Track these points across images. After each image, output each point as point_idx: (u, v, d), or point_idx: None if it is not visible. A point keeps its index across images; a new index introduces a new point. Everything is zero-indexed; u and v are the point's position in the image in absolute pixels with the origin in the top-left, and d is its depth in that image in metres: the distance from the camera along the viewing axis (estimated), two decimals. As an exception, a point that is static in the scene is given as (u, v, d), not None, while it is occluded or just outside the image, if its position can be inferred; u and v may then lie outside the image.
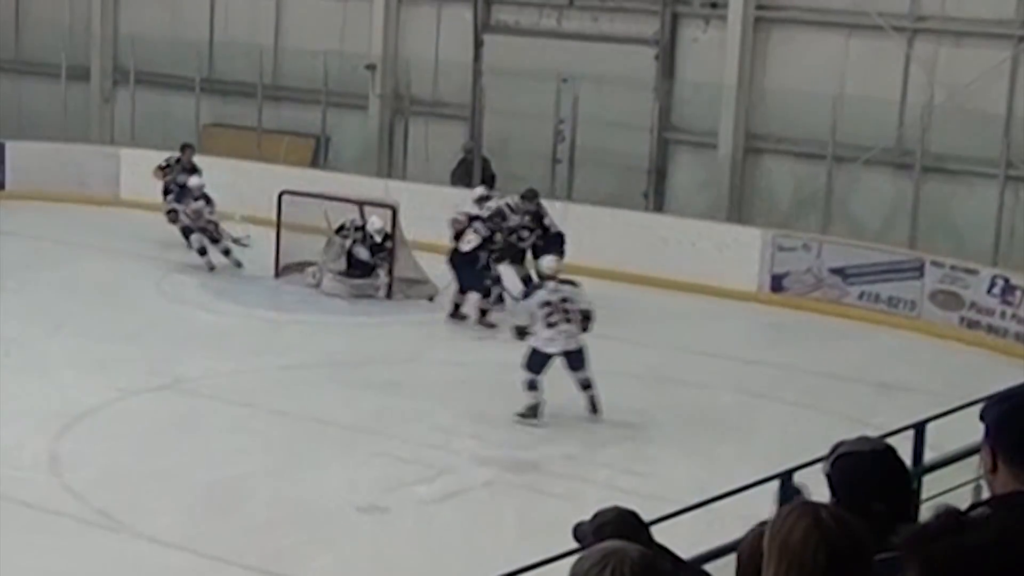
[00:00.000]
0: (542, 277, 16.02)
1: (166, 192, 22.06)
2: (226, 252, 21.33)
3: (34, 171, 25.45)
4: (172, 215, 21.39)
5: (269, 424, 14.78)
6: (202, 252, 21.14)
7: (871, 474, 4.22)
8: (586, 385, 15.04)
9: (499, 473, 13.77)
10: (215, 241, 21.36)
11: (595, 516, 5.64)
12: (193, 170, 22.16)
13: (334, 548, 12.06)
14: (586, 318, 15.14)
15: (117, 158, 25.67)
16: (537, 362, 15.04)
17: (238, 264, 21.31)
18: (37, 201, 24.66)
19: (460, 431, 14.74)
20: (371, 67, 25.03)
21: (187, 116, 26.22)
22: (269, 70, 26.03)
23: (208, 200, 21.43)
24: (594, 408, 15.04)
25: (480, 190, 20.77)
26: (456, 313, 18.87)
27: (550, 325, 15.02)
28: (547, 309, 15.08)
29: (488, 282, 18.92)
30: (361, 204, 20.57)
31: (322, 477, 13.47)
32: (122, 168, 25.53)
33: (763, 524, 4.95)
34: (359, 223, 20.23)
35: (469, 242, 18.89)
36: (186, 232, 21.30)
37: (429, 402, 15.69)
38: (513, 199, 19.98)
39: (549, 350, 14.99)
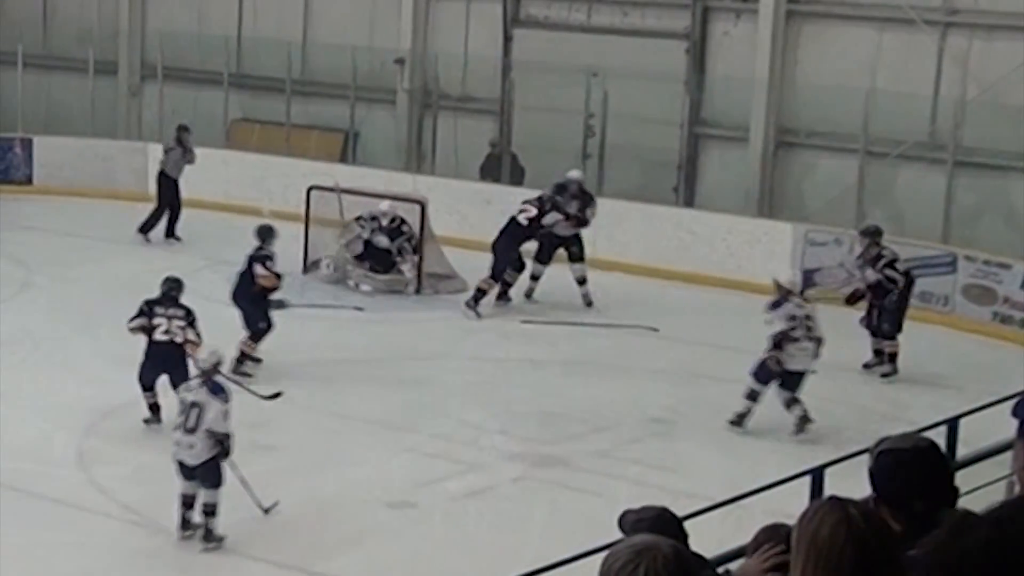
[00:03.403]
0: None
1: None
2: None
3: (62, 166, 25.47)
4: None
5: (297, 420, 14.74)
6: None
7: (912, 472, 4.14)
8: (793, 402, 14.67)
9: (528, 469, 13.72)
10: None
11: (639, 510, 5.61)
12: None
13: (363, 544, 12.05)
14: (819, 343, 14.78)
15: (145, 153, 25.60)
16: (765, 374, 14.68)
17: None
18: (64, 196, 24.67)
19: (489, 427, 14.69)
20: (400, 62, 24.98)
21: (215, 111, 26.23)
22: (297, 65, 26.00)
23: None
24: (804, 424, 14.63)
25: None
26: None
27: (793, 340, 14.60)
28: (792, 323, 14.65)
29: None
30: (391, 200, 20.54)
31: (351, 473, 13.45)
32: (150, 163, 25.47)
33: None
34: (374, 213, 20.27)
35: None
36: None
37: (458, 398, 15.65)
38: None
39: (791, 367, 14.63)
